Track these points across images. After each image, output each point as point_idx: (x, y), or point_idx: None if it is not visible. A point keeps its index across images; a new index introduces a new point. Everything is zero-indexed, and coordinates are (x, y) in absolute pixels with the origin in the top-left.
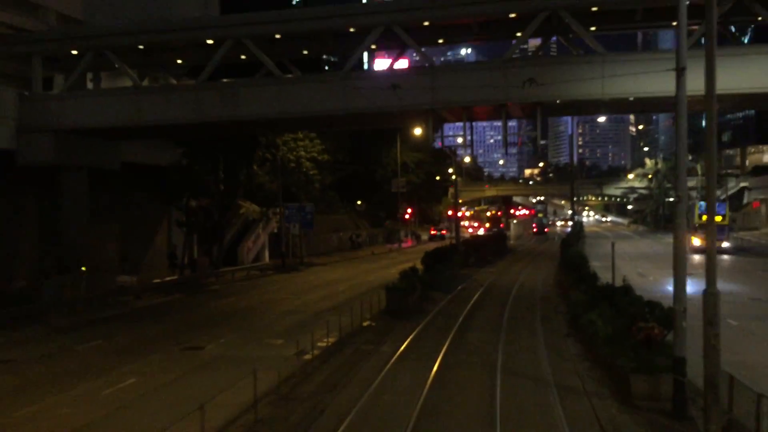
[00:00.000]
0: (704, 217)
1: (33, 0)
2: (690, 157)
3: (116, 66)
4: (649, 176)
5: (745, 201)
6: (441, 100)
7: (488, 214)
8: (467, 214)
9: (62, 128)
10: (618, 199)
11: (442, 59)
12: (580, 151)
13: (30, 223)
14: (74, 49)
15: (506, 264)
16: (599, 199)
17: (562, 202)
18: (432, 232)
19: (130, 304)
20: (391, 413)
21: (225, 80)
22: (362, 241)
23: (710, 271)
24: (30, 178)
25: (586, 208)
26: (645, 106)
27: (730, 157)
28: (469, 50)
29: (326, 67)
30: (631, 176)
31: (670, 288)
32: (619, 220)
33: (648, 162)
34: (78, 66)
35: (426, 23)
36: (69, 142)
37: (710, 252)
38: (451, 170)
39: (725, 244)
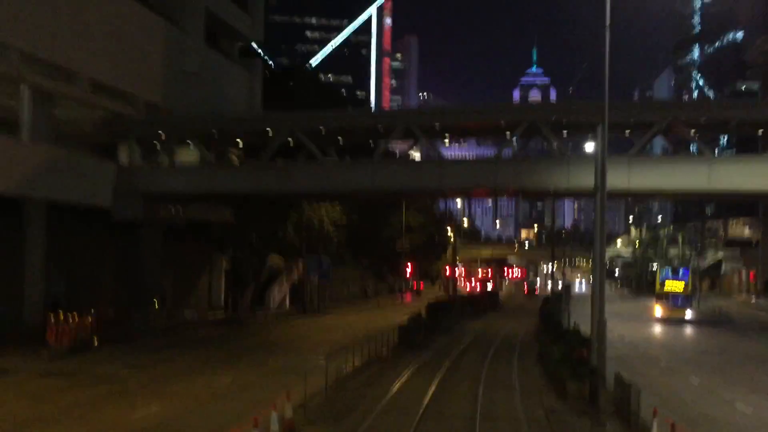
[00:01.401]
0: (667, 284)
1: (128, 90)
2: (671, 227)
3: (191, 145)
4: (635, 243)
5: (722, 271)
6: (447, 185)
7: (479, 273)
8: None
9: (149, 193)
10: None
11: None
12: (575, 216)
13: (110, 265)
14: (161, 132)
15: (496, 317)
16: (589, 263)
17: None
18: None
19: (195, 334)
20: (409, 400)
21: (280, 161)
22: (372, 293)
23: (601, 302)
24: (112, 229)
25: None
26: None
27: (714, 228)
28: None
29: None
30: (618, 243)
31: (627, 338)
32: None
33: (632, 231)
34: (165, 146)
35: (436, 126)
36: (153, 205)
37: (600, 288)
38: (450, 232)
39: (688, 314)
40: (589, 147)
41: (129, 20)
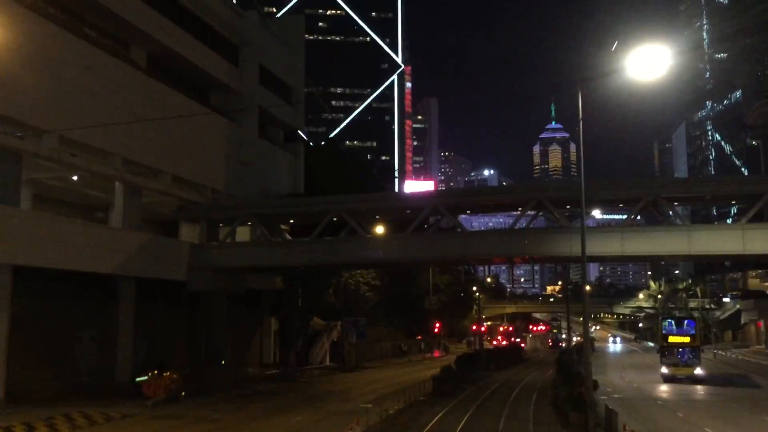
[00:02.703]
0: (671, 338)
1: (199, 182)
2: (690, 281)
3: (250, 225)
4: (657, 296)
5: (742, 322)
6: (469, 254)
7: (501, 329)
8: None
9: (218, 267)
10: (628, 317)
11: (465, 179)
12: (601, 268)
13: (181, 329)
14: (228, 215)
15: (519, 369)
16: (613, 317)
17: (580, 318)
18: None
19: (257, 387)
20: (445, 429)
21: (327, 237)
22: (406, 350)
23: (587, 353)
24: (182, 298)
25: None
26: (598, 259)
27: (735, 280)
28: (492, 171)
29: None
30: (641, 296)
31: (635, 384)
32: (630, 336)
33: (652, 284)
34: (233, 226)
35: (458, 204)
36: (220, 276)
37: (586, 343)
38: (475, 288)
39: (698, 372)
40: (589, 221)
41: (201, 123)
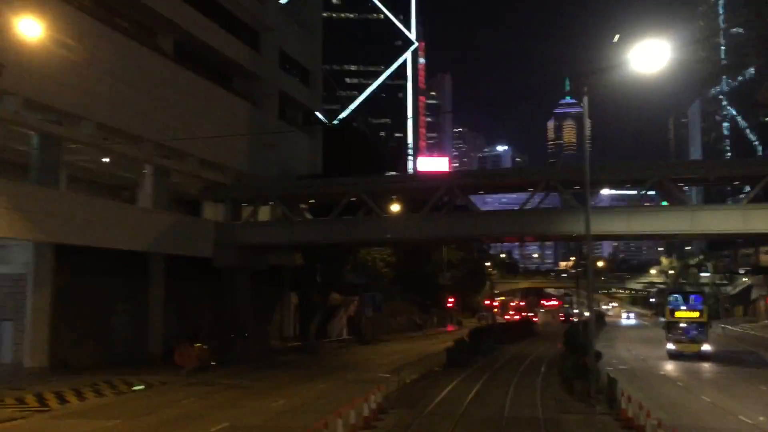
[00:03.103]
0: (677, 314)
1: (224, 163)
2: (701, 256)
3: (273, 205)
4: (669, 272)
5: (753, 297)
6: (481, 233)
7: (512, 304)
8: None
9: (243, 245)
10: (640, 293)
11: (479, 155)
12: (615, 244)
13: (207, 304)
14: (251, 196)
15: (531, 342)
16: (625, 292)
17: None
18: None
19: (280, 358)
20: (456, 401)
21: (346, 217)
22: (421, 324)
23: (592, 325)
24: (208, 275)
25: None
26: (606, 237)
27: (748, 255)
28: (506, 147)
29: None
30: (653, 271)
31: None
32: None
33: (664, 260)
34: (255, 206)
35: (472, 185)
36: (243, 253)
37: (591, 316)
38: (488, 264)
39: (705, 348)
40: (602, 198)
41: (225, 108)
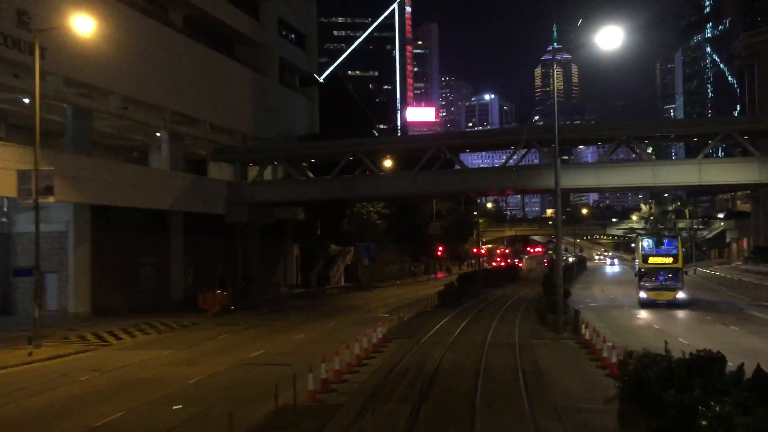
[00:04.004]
0: (651, 260)
1: (232, 128)
2: (678, 203)
3: (277, 165)
4: (650, 218)
5: (727, 240)
6: (468, 188)
7: (498, 251)
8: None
9: (252, 202)
10: (621, 238)
11: (467, 104)
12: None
13: (219, 256)
14: (258, 157)
15: (515, 286)
16: (608, 238)
17: (578, 240)
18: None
19: (288, 303)
20: (447, 332)
21: (345, 175)
22: (416, 271)
23: (558, 267)
24: (220, 230)
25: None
26: (578, 190)
27: (725, 200)
28: (493, 95)
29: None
30: (634, 217)
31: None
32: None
33: (643, 207)
34: (262, 167)
35: (459, 145)
36: (252, 209)
37: (558, 260)
38: (476, 213)
39: (679, 295)
40: (585, 153)
41: (231, 75)
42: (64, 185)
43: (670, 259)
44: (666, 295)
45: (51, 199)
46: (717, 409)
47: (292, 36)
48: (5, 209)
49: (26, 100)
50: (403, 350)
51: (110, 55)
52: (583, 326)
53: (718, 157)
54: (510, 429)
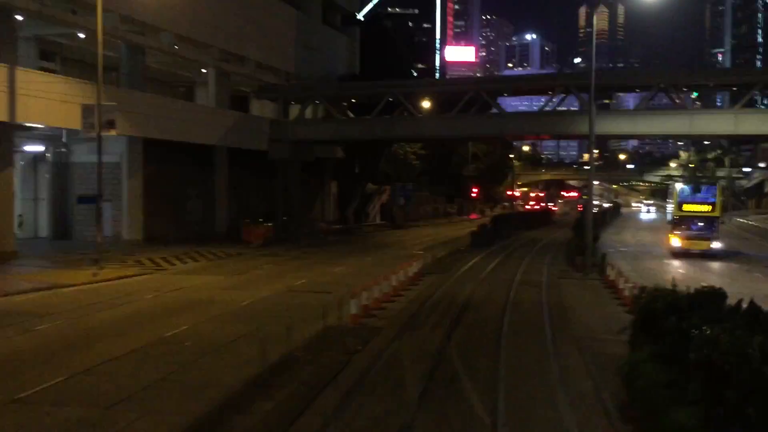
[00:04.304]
0: (686, 207)
1: (276, 66)
2: (720, 151)
3: (319, 104)
4: (689, 165)
5: (766, 190)
6: (506, 132)
7: (532, 195)
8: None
9: (294, 140)
10: (658, 185)
11: (507, 44)
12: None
13: (260, 191)
14: (301, 96)
15: (547, 229)
16: (645, 184)
17: (614, 186)
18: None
19: (327, 239)
20: (479, 269)
21: (385, 116)
22: (451, 212)
23: (589, 212)
24: (262, 167)
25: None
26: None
27: (766, 150)
28: (534, 35)
29: None
30: (672, 164)
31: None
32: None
33: (682, 154)
34: (304, 106)
35: (497, 89)
36: (294, 147)
37: (589, 205)
38: (512, 156)
39: (715, 245)
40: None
41: (276, 14)
42: (121, 119)
43: (707, 207)
44: (700, 245)
45: (113, 132)
46: (707, 332)
47: None
48: (64, 140)
49: (82, 35)
50: (436, 284)
51: None
52: (608, 267)
53: (757, 107)
54: (532, 353)
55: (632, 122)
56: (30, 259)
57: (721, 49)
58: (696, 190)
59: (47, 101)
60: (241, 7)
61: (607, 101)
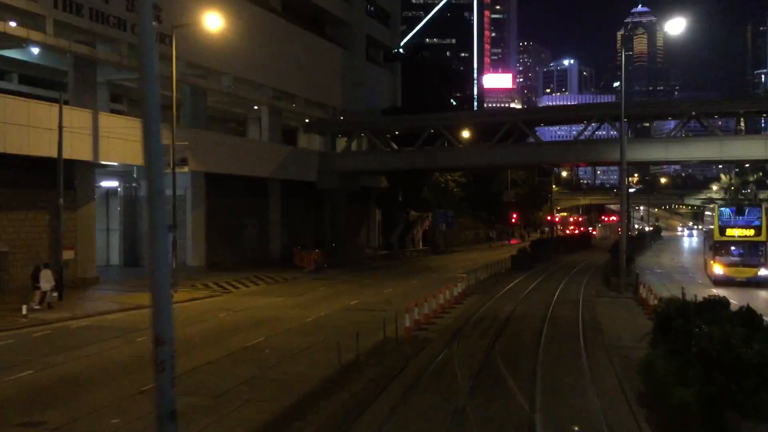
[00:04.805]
0: (729, 231)
1: (324, 102)
2: (760, 173)
3: (363, 136)
4: (731, 188)
5: None
6: (541, 161)
7: (572, 219)
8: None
9: (340, 170)
10: (700, 208)
11: (545, 69)
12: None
13: (309, 219)
14: (347, 129)
15: (586, 253)
16: (687, 208)
17: (655, 210)
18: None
19: (374, 263)
20: (519, 290)
21: (427, 147)
22: (494, 237)
23: (624, 235)
24: (310, 196)
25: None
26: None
27: None
28: (572, 60)
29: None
30: (714, 187)
31: (680, 264)
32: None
33: (723, 177)
34: (350, 139)
35: (534, 120)
36: (342, 177)
37: (624, 228)
38: (553, 185)
39: (762, 272)
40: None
41: (324, 54)
42: (192, 157)
43: (751, 231)
44: (745, 272)
45: (185, 169)
46: (705, 330)
47: (377, 13)
48: (135, 175)
49: None
50: (479, 303)
51: (223, 41)
52: (641, 287)
53: None
54: (567, 357)
55: (664, 149)
56: (110, 284)
57: (764, 70)
58: (739, 212)
59: (124, 141)
60: (292, 49)
61: (647, 124)
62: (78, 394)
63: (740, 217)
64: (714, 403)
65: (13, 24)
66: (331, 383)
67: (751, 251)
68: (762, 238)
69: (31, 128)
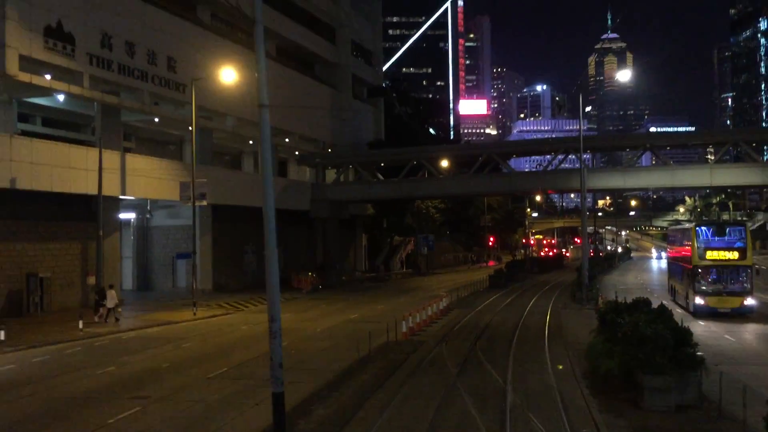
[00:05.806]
0: (709, 254)
1: (315, 137)
2: (722, 195)
3: (352, 167)
4: (696, 210)
5: None
6: (514, 189)
7: (545, 242)
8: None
9: (332, 199)
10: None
11: (519, 95)
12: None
13: (303, 244)
14: (336, 162)
15: (558, 272)
16: (656, 229)
17: (627, 231)
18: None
19: (363, 285)
20: (496, 305)
21: (411, 178)
22: (474, 259)
23: (585, 255)
24: (301, 224)
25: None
26: (606, 191)
27: None
28: (545, 86)
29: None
30: (681, 209)
31: (642, 282)
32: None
33: (688, 199)
34: (339, 171)
35: (507, 152)
36: (333, 206)
37: (585, 249)
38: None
39: (749, 302)
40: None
41: (314, 94)
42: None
43: (735, 254)
44: (730, 302)
45: (204, 202)
46: (627, 319)
47: (361, 53)
48: (148, 207)
49: (156, 119)
50: (462, 315)
51: (227, 87)
52: (600, 299)
53: (727, 162)
54: (533, 351)
55: (622, 178)
56: (133, 305)
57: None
58: (720, 231)
59: (147, 179)
60: (288, 90)
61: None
62: (160, 380)
63: (721, 237)
64: (629, 367)
65: (48, 77)
66: (351, 371)
67: (736, 277)
68: (747, 261)
69: (71, 169)
